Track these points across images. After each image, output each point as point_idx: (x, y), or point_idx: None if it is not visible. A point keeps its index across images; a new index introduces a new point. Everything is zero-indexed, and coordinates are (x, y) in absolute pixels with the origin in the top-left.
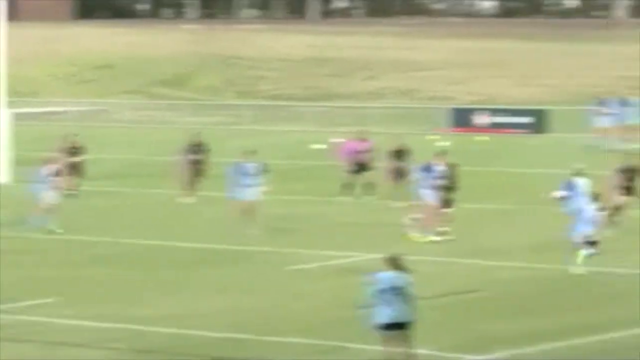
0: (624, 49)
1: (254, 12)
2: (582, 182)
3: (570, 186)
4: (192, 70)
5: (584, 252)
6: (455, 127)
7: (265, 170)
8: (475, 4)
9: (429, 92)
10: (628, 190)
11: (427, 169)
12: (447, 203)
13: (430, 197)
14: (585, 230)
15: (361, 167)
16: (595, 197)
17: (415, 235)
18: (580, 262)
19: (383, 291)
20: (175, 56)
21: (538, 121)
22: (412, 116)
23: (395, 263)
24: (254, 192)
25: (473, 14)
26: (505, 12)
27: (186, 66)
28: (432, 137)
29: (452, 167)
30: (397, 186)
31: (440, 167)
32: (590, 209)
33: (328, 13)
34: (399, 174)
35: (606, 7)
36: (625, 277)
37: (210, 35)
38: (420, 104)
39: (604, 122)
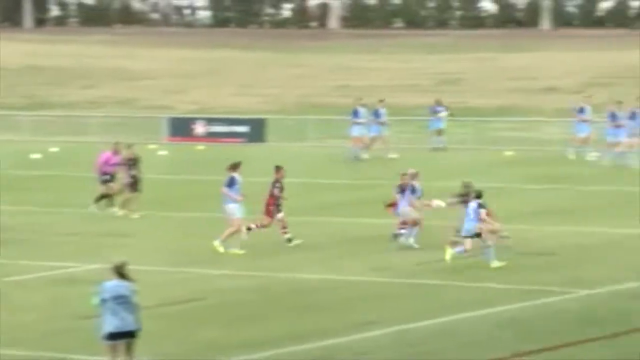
0: (339, 59)
1: None
2: (417, 185)
3: (402, 189)
4: None
5: (451, 250)
6: (173, 137)
7: None
8: (190, 13)
9: (147, 102)
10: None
11: (231, 182)
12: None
13: (235, 211)
14: (468, 225)
15: (110, 178)
16: (479, 195)
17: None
18: (448, 259)
19: (107, 300)
20: None
21: (255, 130)
22: (131, 125)
23: (119, 272)
24: None
25: (189, 24)
26: (220, 22)
27: None
28: (152, 146)
29: (277, 170)
30: (130, 195)
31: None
32: (474, 205)
33: (43, 21)
34: (133, 183)
35: (320, 18)
36: (352, 284)
37: None
38: (139, 113)
39: (356, 131)
